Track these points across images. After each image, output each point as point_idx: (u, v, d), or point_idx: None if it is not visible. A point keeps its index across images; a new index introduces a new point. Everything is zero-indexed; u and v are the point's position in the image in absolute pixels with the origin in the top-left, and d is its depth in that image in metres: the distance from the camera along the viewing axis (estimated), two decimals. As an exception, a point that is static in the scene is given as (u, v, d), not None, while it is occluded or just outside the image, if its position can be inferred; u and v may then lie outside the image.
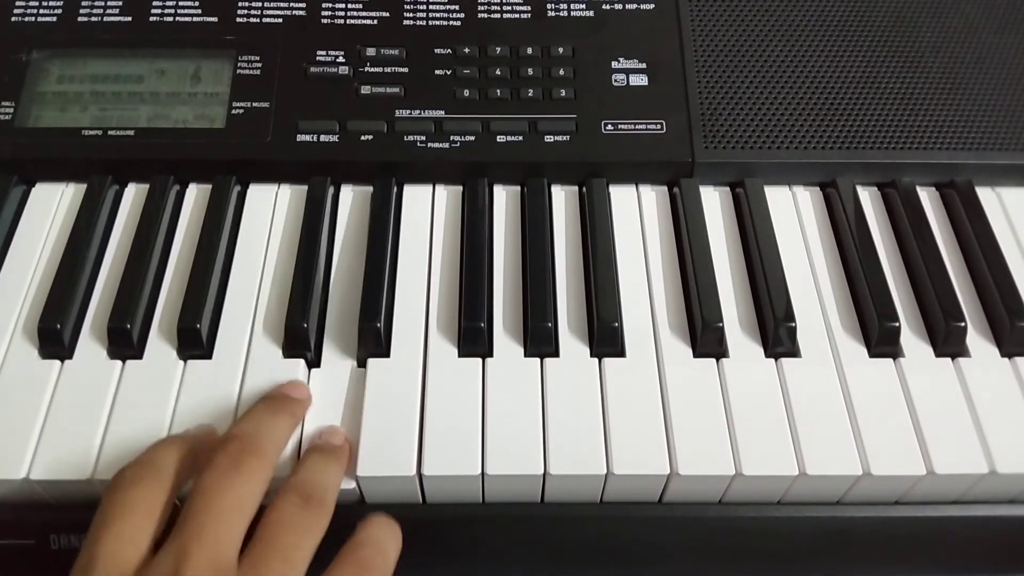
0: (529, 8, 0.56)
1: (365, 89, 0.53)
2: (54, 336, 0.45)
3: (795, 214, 0.52)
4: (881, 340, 0.46)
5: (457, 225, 0.51)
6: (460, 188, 0.52)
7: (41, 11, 0.55)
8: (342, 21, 0.55)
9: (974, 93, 0.54)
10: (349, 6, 0.56)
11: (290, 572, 0.34)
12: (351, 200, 0.52)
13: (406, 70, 0.53)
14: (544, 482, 0.42)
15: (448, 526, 0.44)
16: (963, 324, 0.46)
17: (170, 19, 0.55)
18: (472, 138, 0.51)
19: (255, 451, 0.37)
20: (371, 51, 0.54)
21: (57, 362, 0.45)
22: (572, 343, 0.46)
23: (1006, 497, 0.44)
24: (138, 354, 0.45)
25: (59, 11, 0.55)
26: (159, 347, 0.45)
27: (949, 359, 0.46)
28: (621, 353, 0.46)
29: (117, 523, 0.34)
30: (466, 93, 0.53)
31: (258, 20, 0.55)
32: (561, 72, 0.54)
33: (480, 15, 0.56)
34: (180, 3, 0.55)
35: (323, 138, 0.51)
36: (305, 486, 0.37)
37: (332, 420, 0.43)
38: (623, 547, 0.46)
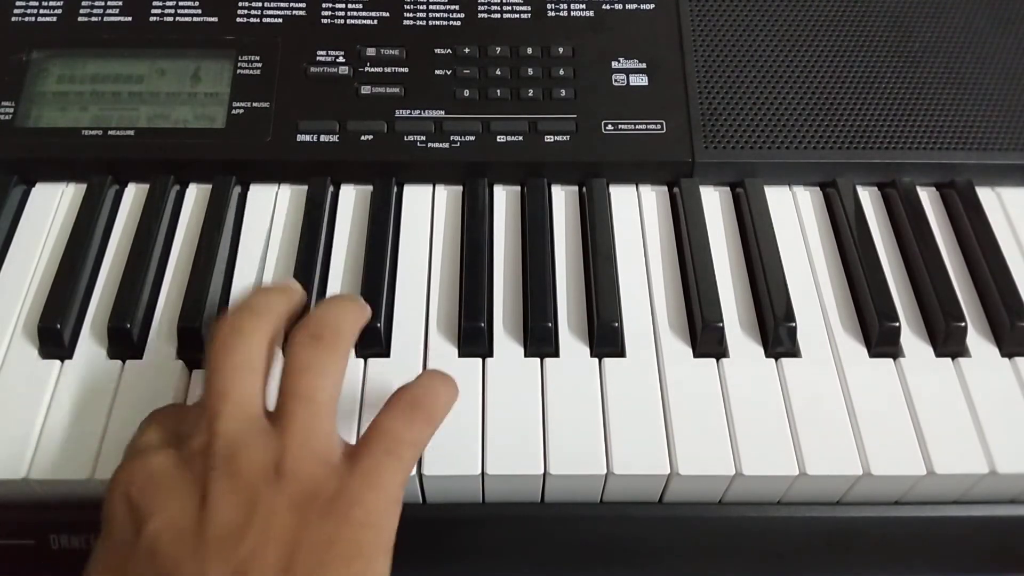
0: (529, 8, 0.56)
1: (365, 89, 0.53)
2: (54, 336, 0.45)
3: (795, 214, 0.52)
4: (881, 340, 0.46)
5: (457, 225, 0.51)
6: (460, 188, 0.52)
7: (41, 11, 0.55)
8: (342, 21, 0.55)
9: (974, 93, 0.54)
10: (349, 6, 0.56)
11: (316, 412, 0.34)
12: (351, 200, 0.52)
13: (406, 70, 0.53)
14: (544, 482, 0.42)
15: (448, 526, 0.44)
16: (963, 324, 0.46)
17: (170, 19, 0.55)
18: (472, 138, 0.51)
19: (252, 312, 0.37)
20: (371, 51, 0.54)
21: (57, 362, 0.45)
22: (572, 343, 0.46)
23: (1006, 497, 0.44)
24: (138, 354, 0.45)
25: (59, 11, 0.55)
26: (159, 347, 0.45)
27: (949, 359, 0.46)
28: (621, 353, 0.46)
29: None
30: (466, 93, 0.53)
31: (258, 20, 0.55)
32: (561, 72, 0.53)
33: (480, 15, 0.56)
34: (180, 3, 0.55)
35: (323, 138, 0.51)
36: (313, 325, 0.37)
37: (332, 420, 0.43)
38: (623, 547, 0.46)
